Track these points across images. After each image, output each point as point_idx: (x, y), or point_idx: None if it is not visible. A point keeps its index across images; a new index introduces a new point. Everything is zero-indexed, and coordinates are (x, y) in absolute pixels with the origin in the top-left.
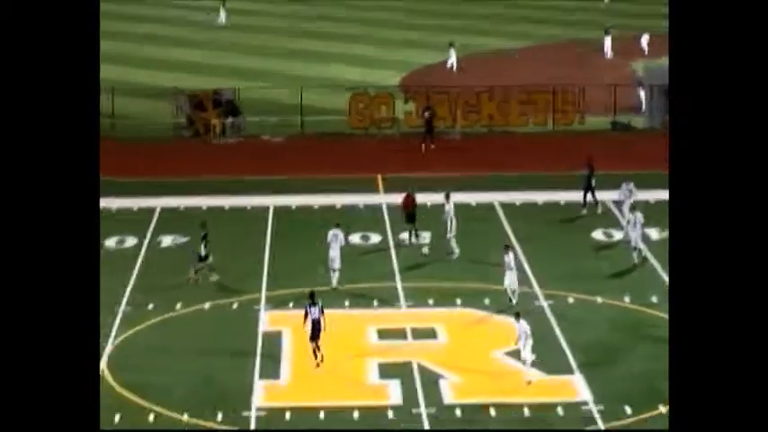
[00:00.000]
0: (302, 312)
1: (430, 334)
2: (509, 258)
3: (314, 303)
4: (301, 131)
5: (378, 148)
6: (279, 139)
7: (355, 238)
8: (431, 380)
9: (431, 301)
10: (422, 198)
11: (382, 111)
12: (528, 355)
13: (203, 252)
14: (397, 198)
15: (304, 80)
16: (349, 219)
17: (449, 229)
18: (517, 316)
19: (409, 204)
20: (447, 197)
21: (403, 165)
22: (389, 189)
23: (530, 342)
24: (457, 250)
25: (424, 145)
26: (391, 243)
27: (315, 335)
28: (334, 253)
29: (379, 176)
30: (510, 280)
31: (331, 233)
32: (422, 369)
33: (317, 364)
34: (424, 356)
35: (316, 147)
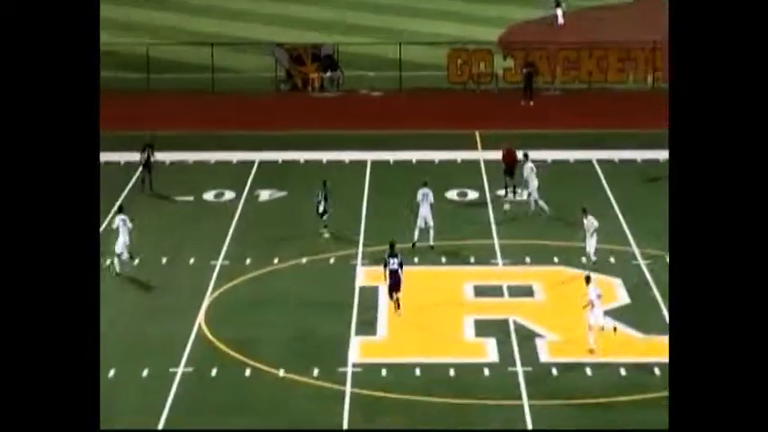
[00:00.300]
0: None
1: (527, 291)
2: (588, 222)
3: (393, 254)
4: (399, 87)
5: (476, 103)
6: (377, 93)
7: (452, 194)
8: (527, 337)
9: (528, 259)
10: (521, 154)
11: (481, 66)
12: (601, 320)
13: (322, 209)
14: (495, 154)
15: (403, 35)
16: (446, 174)
17: (528, 188)
18: (587, 280)
19: (509, 159)
20: (525, 157)
21: (501, 120)
22: (487, 145)
23: (599, 307)
24: (546, 207)
25: (523, 101)
26: (489, 199)
27: (394, 287)
28: (425, 211)
29: (477, 132)
30: (589, 244)
31: (421, 192)
32: (518, 327)
33: (399, 314)
34: (521, 314)
35: (414, 102)
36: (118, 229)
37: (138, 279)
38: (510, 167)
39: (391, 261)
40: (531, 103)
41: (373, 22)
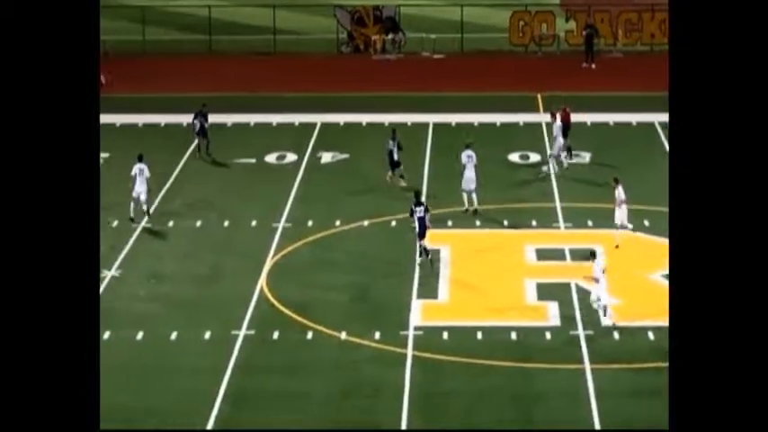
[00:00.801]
0: (462, 231)
1: (589, 255)
2: (619, 192)
3: (419, 203)
4: (461, 48)
5: (537, 65)
6: (438, 55)
7: (515, 157)
8: (589, 301)
9: (590, 222)
10: (582, 117)
11: (543, 28)
12: (604, 296)
13: (396, 157)
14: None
15: None
16: (508, 137)
17: (554, 147)
18: (592, 255)
19: (566, 119)
20: (553, 115)
21: (563, 82)
22: (549, 107)
23: (604, 282)
24: (565, 163)
25: (584, 63)
26: (551, 162)
27: (420, 235)
28: (470, 174)
29: (539, 95)
30: (620, 215)
31: (465, 154)
32: (580, 290)
33: (431, 261)
34: (583, 277)
35: (475, 64)
36: (135, 176)
37: (200, 241)
38: (567, 127)
39: (417, 209)
40: (593, 66)
41: None
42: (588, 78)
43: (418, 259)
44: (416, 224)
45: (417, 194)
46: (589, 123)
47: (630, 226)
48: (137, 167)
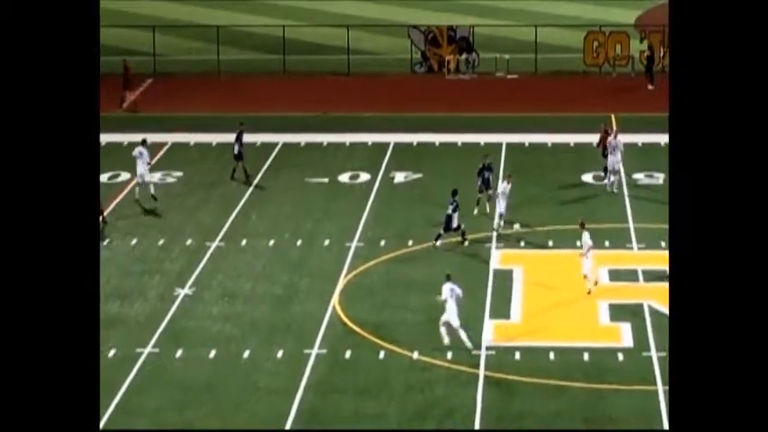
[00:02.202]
0: (535, 251)
1: (662, 276)
2: (583, 239)
3: (452, 201)
4: (535, 69)
5: (612, 86)
6: (513, 76)
7: (588, 177)
8: (662, 323)
9: (663, 243)
10: (656, 138)
11: (617, 49)
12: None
13: (455, 223)
14: (631, 137)
15: (539, 18)
16: (582, 157)
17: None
18: (582, 226)
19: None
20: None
21: (636, 103)
22: (623, 128)
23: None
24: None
25: (649, 84)
26: (624, 183)
27: (445, 228)
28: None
29: (612, 115)
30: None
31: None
32: (653, 311)
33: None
34: (656, 298)
35: (550, 84)
36: (136, 159)
37: (274, 260)
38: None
39: (449, 206)
40: (651, 87)
41: (509, 5)
42: (651, 99)
43: (437, 243)
44: (444, 218)
45: (454, 192)
46: (663, 144)
47: (592, 279)
48: (137, 150)
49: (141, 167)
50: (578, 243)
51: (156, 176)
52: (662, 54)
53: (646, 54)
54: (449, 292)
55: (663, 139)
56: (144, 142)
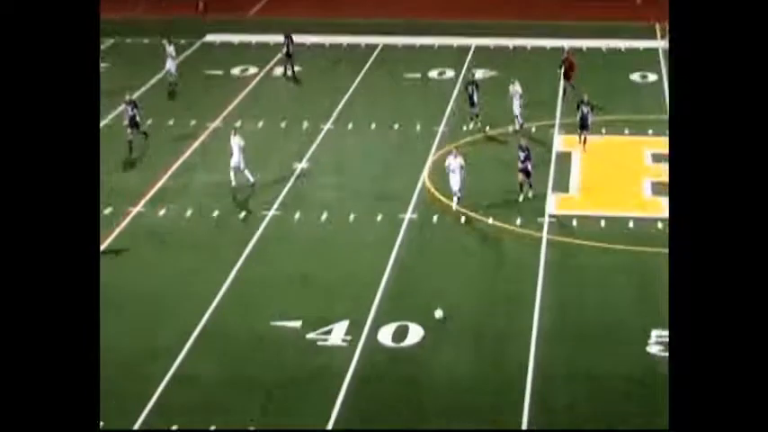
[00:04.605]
0: (590, 136)
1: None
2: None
3: (523, 150)
4: None
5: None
6: None
7: (636, 77)
8: None
9: None
10: None
11: None
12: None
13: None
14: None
15: None
16: (631, 60)
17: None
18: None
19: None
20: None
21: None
22: (666, 35)
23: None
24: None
25: None
26: (665, 80)
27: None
28: (516, 108)
29: (657, 24)
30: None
31: (511, 88)
32: None
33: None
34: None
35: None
36: (232, 147)
37: (375, 141)
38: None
39: (521, 155)
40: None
41: None
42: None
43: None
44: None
45: (521, 147)
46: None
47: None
48: (233, 139)
49: (237, 155)
50: (626, 131)
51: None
52: None
53: None
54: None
55: None
56: (236, 130)
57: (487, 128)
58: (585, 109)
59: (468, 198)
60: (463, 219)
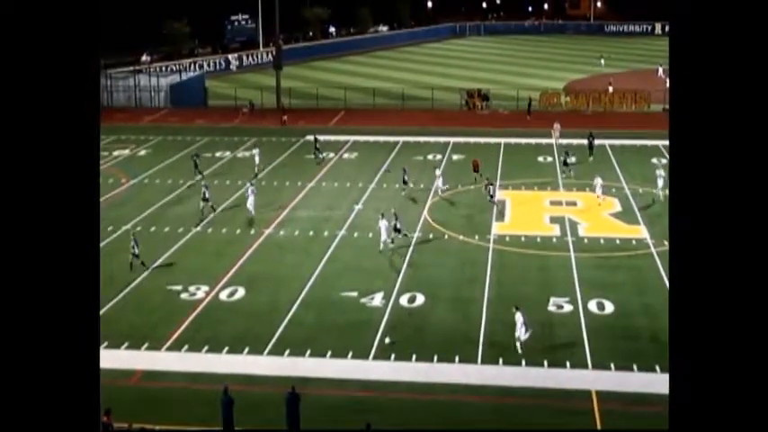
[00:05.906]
0: (514, 191)
1: (573, 203)
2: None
3: (490, 184)
4: (516, 107)
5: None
6: (504, 111)
7: (540, 158)
8: (574, 224)
9: (578, 189)
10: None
11: (554, 99)
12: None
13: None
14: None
15: (519, 85)
16: (539, 148)
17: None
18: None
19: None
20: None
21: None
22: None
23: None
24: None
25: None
26: (557, 162)
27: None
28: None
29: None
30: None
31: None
32: (570, 221)
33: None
34: (573, 213)
35: (522, 115)
36: (248, 192)
37: (392, 191)
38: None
39: (490, 189)
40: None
41: (504, 78)
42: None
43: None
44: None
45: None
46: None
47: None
48: (248, 185)
49: (252, 199)
50: (535, 188)
51: (346, 156)
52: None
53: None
54: (384, 224)
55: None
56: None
57: (458, 186)
58: (491, 188)
59: (449, 225)
60: (446, 236)
